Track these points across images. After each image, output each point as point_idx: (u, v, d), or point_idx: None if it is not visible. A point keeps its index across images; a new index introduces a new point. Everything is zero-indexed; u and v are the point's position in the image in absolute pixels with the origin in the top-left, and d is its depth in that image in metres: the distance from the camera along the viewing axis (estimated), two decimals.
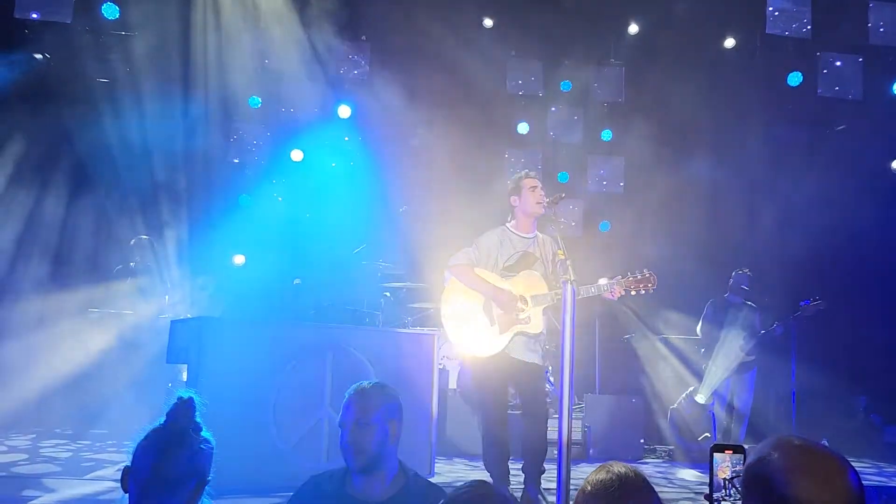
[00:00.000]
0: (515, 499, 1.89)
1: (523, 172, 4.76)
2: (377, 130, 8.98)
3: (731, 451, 1.69)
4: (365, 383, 2.68)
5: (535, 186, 4.63)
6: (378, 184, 8.64)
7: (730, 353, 7.07)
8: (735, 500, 1.65)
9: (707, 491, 1.70)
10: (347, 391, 2.65)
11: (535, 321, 4.52)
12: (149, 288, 7.08)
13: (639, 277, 4.36)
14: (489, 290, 4.53)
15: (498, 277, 4.60)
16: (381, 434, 2.54)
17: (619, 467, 1.74)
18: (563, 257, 4.51)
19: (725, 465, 1.68)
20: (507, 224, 4.76)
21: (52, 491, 4.54)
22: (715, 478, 1.67)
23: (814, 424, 7.53)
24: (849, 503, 1.37)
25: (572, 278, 4.17)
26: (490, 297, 4.54)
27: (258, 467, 4.64)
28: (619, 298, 4.47)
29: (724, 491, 1.67)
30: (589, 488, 1.72)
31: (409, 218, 8.12)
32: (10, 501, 4.27)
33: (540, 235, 4.70)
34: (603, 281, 4.59)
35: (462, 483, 1.88)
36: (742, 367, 7.07)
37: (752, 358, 7.08)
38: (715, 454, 1.69)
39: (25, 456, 5.74)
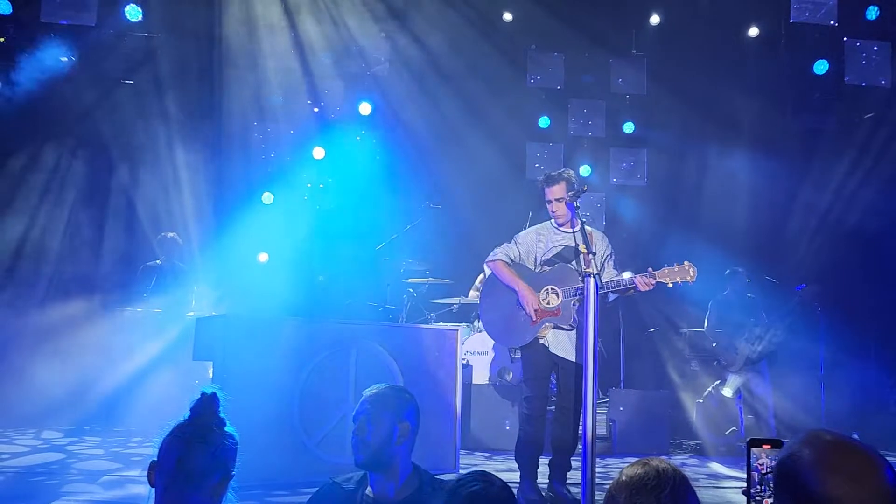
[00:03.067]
0: (511, 492, 1.88)
1: (542, 178, 4.74)
2: (398, 127, 9.00)
3: (768, 446, 1.64)
4: (384, 385, 2.73)
5: (550, 201, 4.63)
6: (400, 180, 8.66)
7: (742, 347, 7.07)
8: (773, 494, 1.58)
9: (745, 486, 1.66)
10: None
11: (567, 313, 4.52)
12: (175, 285, 7.16)
13: (675, 269, 4.31)
14: (514, 283, 4.60)
15: (533, 272, 4.65)
16: (387, 432, 2.56)
17: (657, 461, 1.70)
18: (584, 251, 4.52)
19: (762, 459, 1.63)
20: (550, 220, 4.80)
21: (80, 491, 4.61)
22: (753, 473, 1.63)
23: (843, 417, 7.42)
24: (884, 500, 1.31)
25: (595, 272, 4.17)
26: (514, 291, 4.61)
27: (283, 463, 4.68)
28: (652, 289, 4.40)
29: (759, 487, 1.62)
30: (624, 478, 1.67)
31: (432, 214, 8.12)
32: (40, 499, 4.35)
33: (593, 232, 4.65)
34: (627, 275, 4.56)
35: (465, 474, 1.87)
36: (755, 360, 7.06)
37: (763, 350, 7.08)
38: (752, 449, 1.64)
39: (57, 453, 5.84)
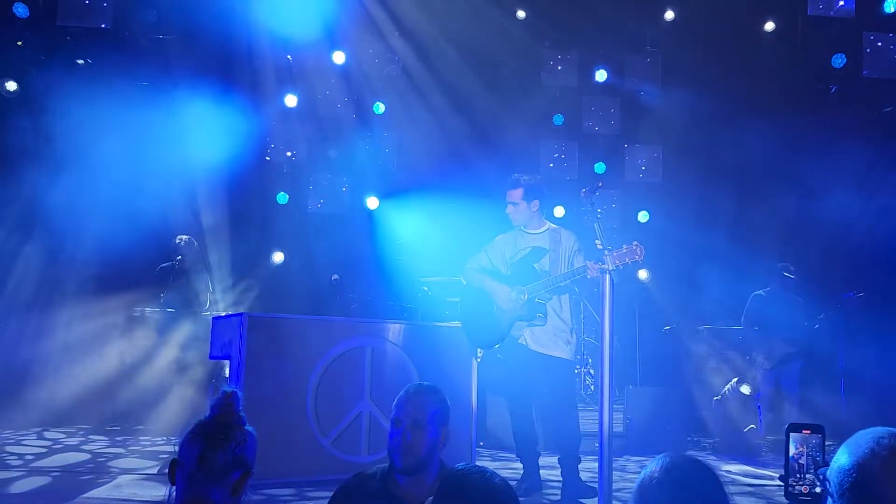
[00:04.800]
0: (508, 484, 1.85)
1: (511, 179, 4.89)
2: (411, 126, 9.00)
3: (808, 431, 1.59)
4: (420, 384, 2.68)
5: (508, 203, 4.84)
6: (414, 179, 8.67)
7: (775, 345, 7.00)
8: (813, 484, 1.56)
9: (782, 472, 1.62)
10: (404, 389, 2.63)
11: (532, 310, 4.66)
12: (191, 286, 7.19)
13: (624, 250, 4.28)
14: (485, 285, 4.82)
15: (505, 275, 4.83)
16: (433, 437, 2.53)
17: (686, 456, 1.68)
18: (600, 247, 4.52)
19: (803, 447, 1.58)
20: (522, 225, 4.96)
21: (102, 485, 4.66)
22: (791, 460, 1.59)
23: (863, 420, 7.33)
24: None
25: (611, 268, 4.15)
26: (489, 293, 4.79)
27: (298, 460, 4.71)
28: (614, 273, 4.36)
29: (799, 475, 1.58)
30: (657, 472, 1.60)
31: (445, 212, 8.12)
32: (67, 497, 4.40)
33: (561, 231, 4.82)
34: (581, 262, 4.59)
35: (458, 466, 1.85)
36: (788, 358, 7.00)
37: (797, 350, 7.00)
38: (791, 434, 1.60)
39: (79, 454, 5.90)
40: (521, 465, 4.93)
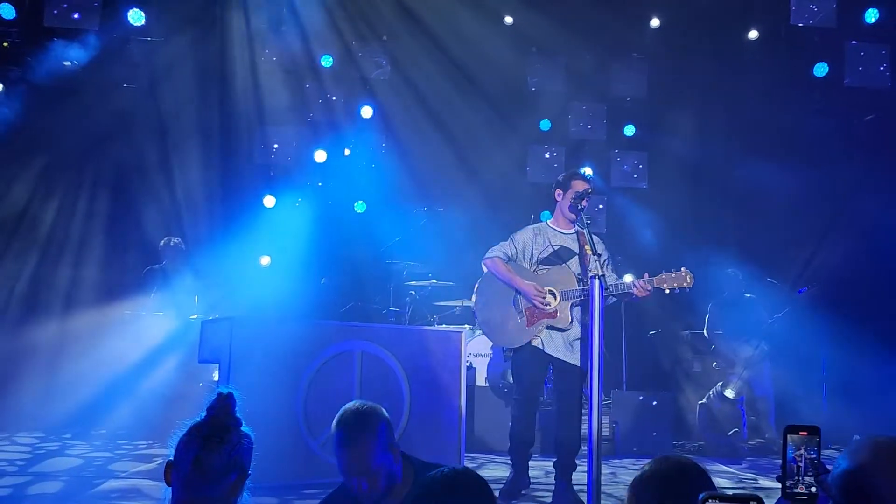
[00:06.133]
0: (489, 487, 1.87)
1: (580, 172, 4.86)
2: (399, 130, 9.02)
3: (805, 433, 1.62)
4: (348, 415, 2.54)
5: (583, 195, 4.63)
6: (402, 183, 8.69)
7: (743, 348, 7.12)
8: (809, 484, 1.60)
9: (779, 473, 1.66)
10: (335, 436, 2.52)
11: (563, 315, 4.57)
12: (179, 289, 7.17)
13: (673, 275, 4.32)
14: (516, 282, 4.63)
15: (529, 271, 4.68)
16: (386, 468, 2.47)
17: (678, 457, 1.72)
18: (589, 253, 4.57)
19: (801, 448, 1.61)
20: (547, 220, 4.90)
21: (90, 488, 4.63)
22: (789, 460, 1.62)
23: (844, 417, 7.43)
24: None
25: (600, 273, 4.19)
26: (516, 289, 4.63)
27: (288, 465, 4.70)
28: (650, 294, 4.43)
29: (797, 477, 1.61)
30: (647, 469, 1.69)
31: (433, 216, 8.14)
32: (58, 500, 4.37)
33: (585, 233, 4.67)
34: (629, 278, 4.59)
35: (443, 468, 1.86)
36: (756, 359, 7.11)
37: (766, 349, 7.14)
38: (789, 435, 1.63)
39: (68, 458, 5.85)
40: (507, 468, 4.93)
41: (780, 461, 1.65)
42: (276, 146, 9.03)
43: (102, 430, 6.79)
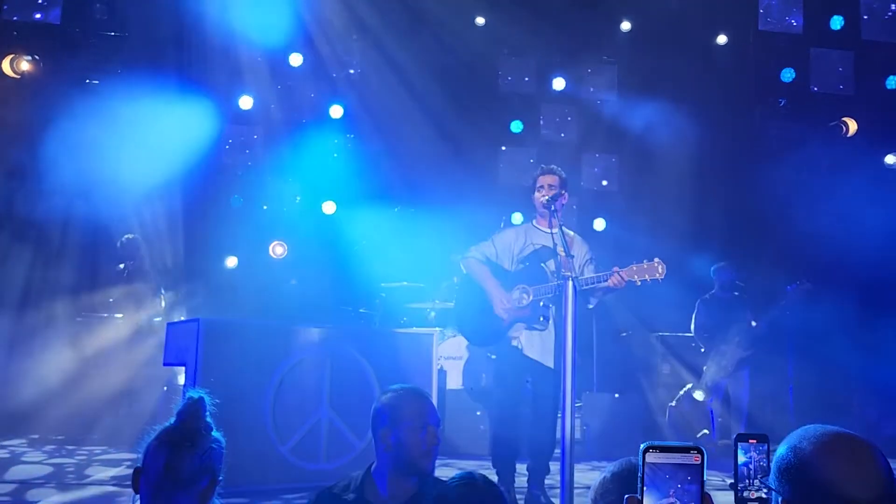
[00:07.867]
0: (504, 493, 1.90)
1: (540, 168, 4.78)
2: (369, 131, 8.94)
3: (755, 440, 1.70)
4: (413, 388, 2.77)
5: (542, 186, 4.65)
6: (374, 183, 8.61)
7: (726, 349, 7.12)
8: (760, 488, 1.66)
9: (732, 480, 1.70)
10: (411, 393, 2.68)
11: (535, 313, 4.52)
12: (141, 290, 7.00)
13: (644, 266, 4.29)
14: (487, 285, 4.59)
15: (509, 271, 4.64)
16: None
17: (636, 460, 1.72)
18: (562, 254, 4.52)
19: (750, 453, 1.69)
20: (533, 220, 4.86)
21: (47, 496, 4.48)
22: (740, 467, 1.69)
23: (810, 420, 7.52)
24: (879, 479, 1.40)
25: (573, 275, 4.15)
26: (487, 292, 4.59)
27: (256, 469, 4.59)
28: (622, 288, 4.38)
29: (748, 480, 1.68)
30: (609, 476, 1.73)
31: (403, 217, 8.08)
32: None
33: (569, 233, 4.63)
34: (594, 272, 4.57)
35: (455, 475, 1.87)
36: (739, 364, 7.12)
37: (749, 353, 7.12)
38: (739, 443, 1.70)
39: (22, 463, 5.67)
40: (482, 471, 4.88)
41: None
42: (247, 151, 8.89)
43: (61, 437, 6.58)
